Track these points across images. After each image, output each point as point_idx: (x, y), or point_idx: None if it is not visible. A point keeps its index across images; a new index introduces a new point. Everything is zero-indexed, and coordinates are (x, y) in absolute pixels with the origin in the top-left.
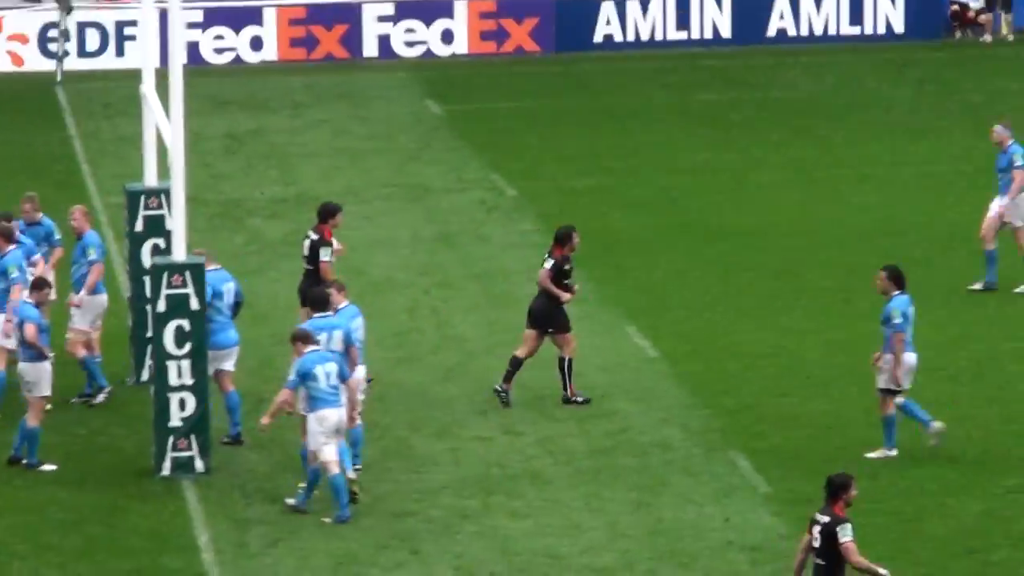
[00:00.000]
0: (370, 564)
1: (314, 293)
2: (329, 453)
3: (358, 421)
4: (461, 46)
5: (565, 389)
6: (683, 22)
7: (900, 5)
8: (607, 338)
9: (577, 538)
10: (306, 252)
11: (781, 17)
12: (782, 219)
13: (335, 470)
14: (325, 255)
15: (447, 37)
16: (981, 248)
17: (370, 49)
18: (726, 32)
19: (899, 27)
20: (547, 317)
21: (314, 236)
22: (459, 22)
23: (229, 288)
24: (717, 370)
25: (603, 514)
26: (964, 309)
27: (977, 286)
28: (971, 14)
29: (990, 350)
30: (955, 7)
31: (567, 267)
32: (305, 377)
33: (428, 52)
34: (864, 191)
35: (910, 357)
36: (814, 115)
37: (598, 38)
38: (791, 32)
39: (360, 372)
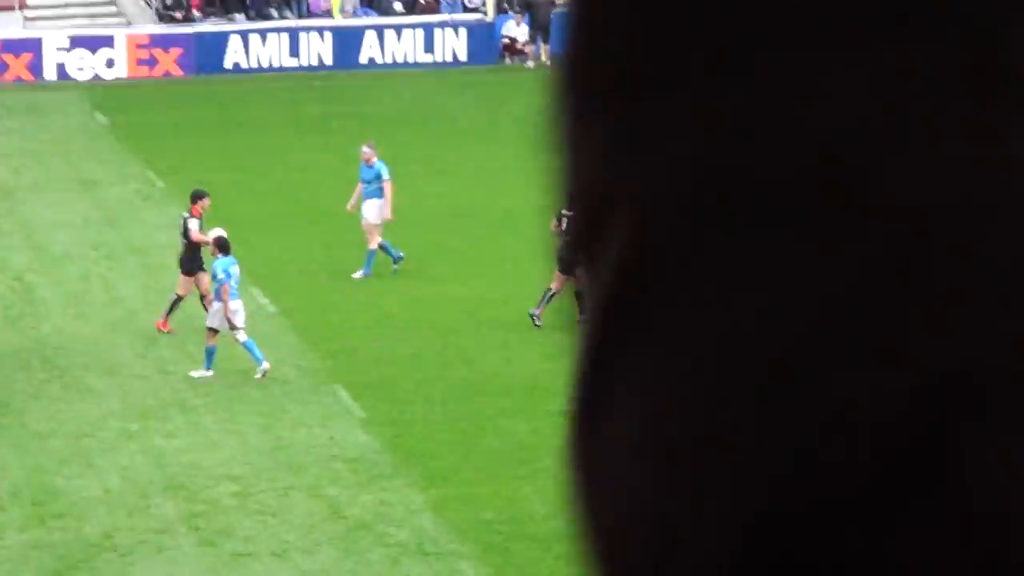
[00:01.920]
0: (55, 474)
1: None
2: None
3: None
4: (122, 71)
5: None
6: (294, 51)
7: (463, 38)
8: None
9: (216, 453)
10: (181, 228)
11: (371, 47)
12: None
13: None
14: (193, 226)
15: (111, 64)
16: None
17: (50, 73)
18: (328, 60)
19: (463, 55)
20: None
21: (186, 215)
22: (120, 51)
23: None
24: (322, 321)
25: (236, 435)
26: (511, 273)
27: (394, 267)
28: (518, 45)
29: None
30: (506, 40)
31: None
32: None
33: (96, 76)
34: (436, 183)
35: (236, 303)
36: (397, 125)
37: (228, 64)
38: (379, 60)
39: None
